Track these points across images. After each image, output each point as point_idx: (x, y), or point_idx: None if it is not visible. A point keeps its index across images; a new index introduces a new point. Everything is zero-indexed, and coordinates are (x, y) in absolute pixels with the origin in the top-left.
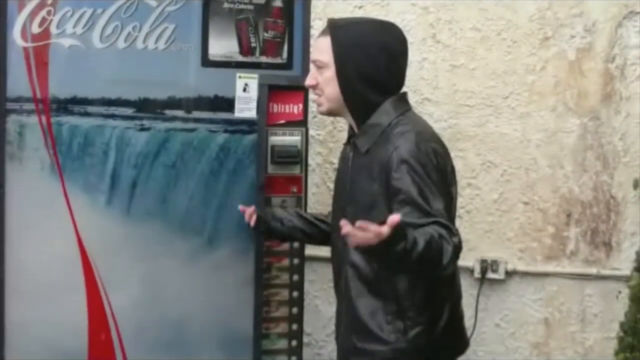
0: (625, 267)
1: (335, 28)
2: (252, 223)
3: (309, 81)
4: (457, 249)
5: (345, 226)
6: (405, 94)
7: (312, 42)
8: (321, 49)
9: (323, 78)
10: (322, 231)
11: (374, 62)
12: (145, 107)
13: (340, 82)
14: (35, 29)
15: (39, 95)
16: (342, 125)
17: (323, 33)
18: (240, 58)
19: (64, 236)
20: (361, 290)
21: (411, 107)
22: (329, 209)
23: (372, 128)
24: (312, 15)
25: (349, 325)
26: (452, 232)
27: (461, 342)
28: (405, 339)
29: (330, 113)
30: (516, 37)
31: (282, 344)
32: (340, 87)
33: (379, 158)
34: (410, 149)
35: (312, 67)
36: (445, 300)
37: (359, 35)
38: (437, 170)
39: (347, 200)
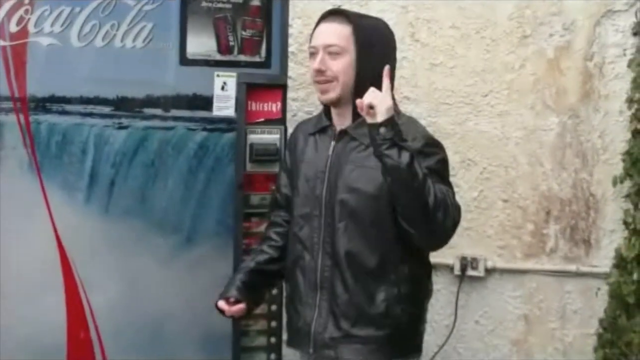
0: (604, 264)
1: (352, 17)
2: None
3: (318, 65)
4: (457, 210)
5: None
6: None
7: (290, 41)
8: (338, 35)
9: (339, 65)
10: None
11: (390, 57)
12: (124, 105)
13: (361, 71)
14: (13, 27)
15: (17, 93)
16: None
17: (332, 20)
18: (219, 57)
19: (43, 234)
20: (358, 278)
21: None
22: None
23: None
24: (291, 14)
25: (337, 312)
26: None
27: None
28: (400, 324)
29: (337, 101)
30: (495, 36)
31: (261, 341)
32: (359, 76)
33: None
34: (426, 134)
35: (321, 52)
36: (430, 291)
37: (380, 29)
38: None
39: (336, 190)
